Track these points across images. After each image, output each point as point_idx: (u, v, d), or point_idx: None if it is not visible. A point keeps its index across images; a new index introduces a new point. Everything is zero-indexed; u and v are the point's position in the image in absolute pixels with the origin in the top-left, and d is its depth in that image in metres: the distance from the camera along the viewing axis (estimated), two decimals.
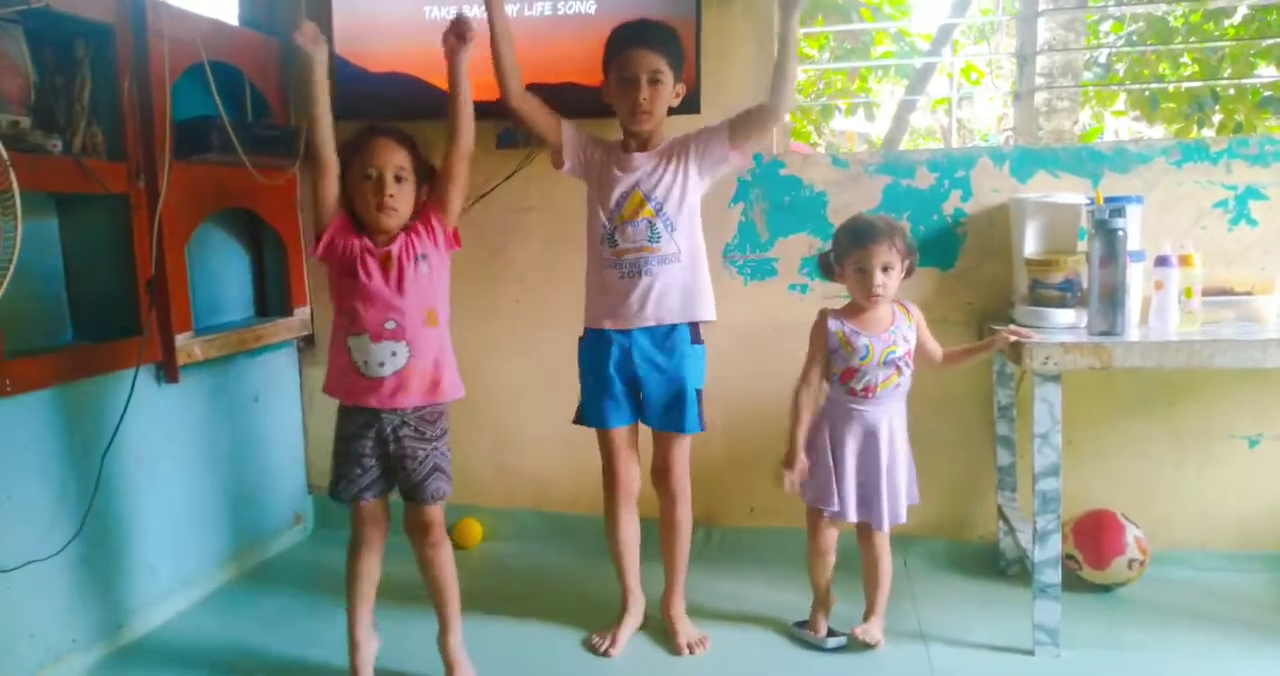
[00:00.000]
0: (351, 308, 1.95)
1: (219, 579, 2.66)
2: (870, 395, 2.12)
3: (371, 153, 1.93)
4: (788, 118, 2.26)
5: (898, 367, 2.12)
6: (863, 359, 2.11)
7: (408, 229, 2.00)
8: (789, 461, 2.19)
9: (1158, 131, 6.44)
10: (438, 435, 2.03)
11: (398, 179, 1.93)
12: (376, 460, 2.01)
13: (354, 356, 1.96)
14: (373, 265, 1.95)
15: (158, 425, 2.41)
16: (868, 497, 2.14)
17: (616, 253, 2.16)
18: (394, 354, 1.95)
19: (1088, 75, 5.94)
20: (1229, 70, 5.47)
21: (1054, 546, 2.12)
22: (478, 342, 2.97)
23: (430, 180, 2.02)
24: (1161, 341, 2.07)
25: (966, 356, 2.24)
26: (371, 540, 2.07)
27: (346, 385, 1.99)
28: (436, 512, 2.06)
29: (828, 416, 2.18)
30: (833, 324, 2.16)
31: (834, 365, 2.16)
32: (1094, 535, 2.46)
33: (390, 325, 1.94)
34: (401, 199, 1.95)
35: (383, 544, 2.10)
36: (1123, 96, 6.35)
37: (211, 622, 2.44)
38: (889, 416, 2.13)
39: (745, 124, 2.16)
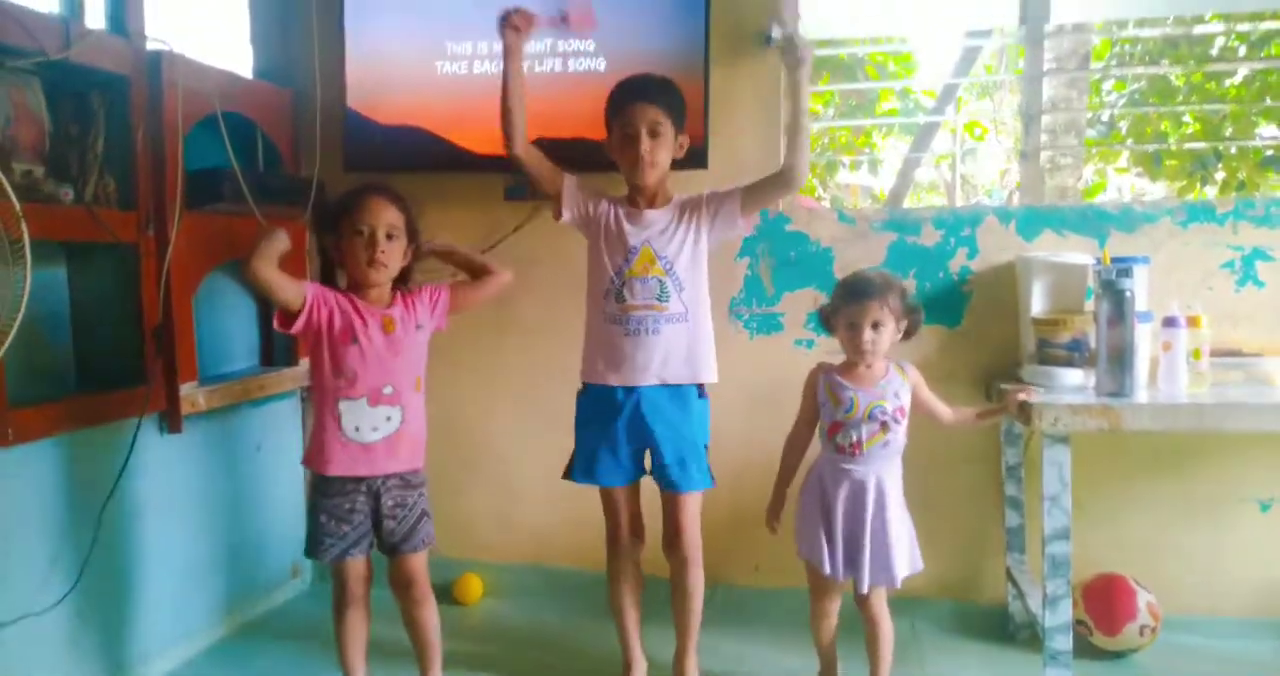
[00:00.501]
0: (351, 370, 1.96)
1: (217, 632, 2.62)
2: (857, 453, 2.08)
3: (364, 210, 1.97)
4: (802, 187, 2.27)
5: (883, 424, 2.08)
6: (847, 412, 2.08)
7: (408, 295, 2.05)
8: (769, 517, 2.22)
9: (1160, 188, 6.49)
10: (421, 482, 2.08)
11: (389, 236, 1.98)
12: (368, 515, 2.00)
13: (344, 421, 1.96)
14: (374, 327, 1.98)
15: (159, 475, 2.39)
16: (854, 558, 2.09)
17: (624, 308, 2.13)
18: (388, 419, 1.98)
19: (1091, 133, 6.00)
20: (1231, 129, 5.52)
21: (1065, 612, 2.08)
22: (480, 393, 2.96)
23: (416, 240, 2.06)
24: (1171, 404, 2.05)
25: (978, 420, 2.22)
26: (359, 597, 2.06)
27: (331, 454, 1.97)
28: (422, 565, 2.07)
29: (818, 474, 2.16)
30: (822, 377, 2.15)
31: (822, 418, 2.15)
32: (1105, 600, 2.41)
33: (388, 390, 1.98)
34: (391, 255, 1.99)
35: (369, 598, 2.08)
36: (1126, 153, 6.40)
37: None
38: (877, 475, 2.08)
39: (759, 192, 2.18)
